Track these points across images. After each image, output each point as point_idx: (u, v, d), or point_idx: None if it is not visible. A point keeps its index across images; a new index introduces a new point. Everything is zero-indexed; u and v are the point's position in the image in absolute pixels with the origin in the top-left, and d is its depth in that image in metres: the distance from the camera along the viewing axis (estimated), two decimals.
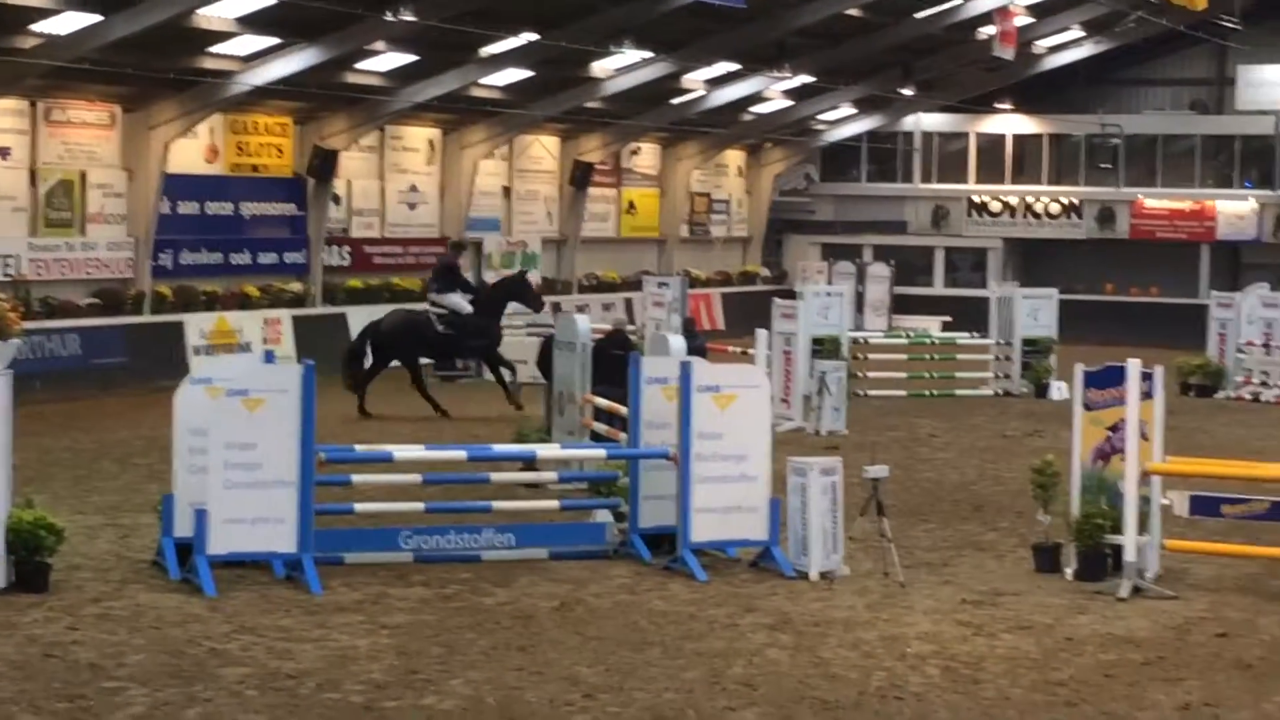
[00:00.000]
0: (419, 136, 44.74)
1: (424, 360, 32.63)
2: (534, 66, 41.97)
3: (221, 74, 36.53)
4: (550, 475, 21.26)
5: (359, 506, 19.40)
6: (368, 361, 32.26)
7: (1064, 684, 14.30)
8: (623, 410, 20.65)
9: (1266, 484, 20.24)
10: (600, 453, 20.51)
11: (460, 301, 32.46)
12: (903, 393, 36.00)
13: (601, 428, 22.70)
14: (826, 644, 15.45)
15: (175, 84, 35.73)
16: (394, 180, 44.18)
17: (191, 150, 38.41)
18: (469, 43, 38.69)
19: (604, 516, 19.66)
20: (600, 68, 43.88)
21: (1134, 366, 17.85)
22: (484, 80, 42.16)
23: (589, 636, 15.63)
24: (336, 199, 42.22)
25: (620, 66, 43.71)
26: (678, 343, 22.03)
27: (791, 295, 38.80)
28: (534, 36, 38.39)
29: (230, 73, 36.63)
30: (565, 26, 38.66)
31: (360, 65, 39.47)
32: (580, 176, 49.30)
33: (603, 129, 48.92)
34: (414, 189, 44.64)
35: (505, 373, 32.17)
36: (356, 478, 19.15)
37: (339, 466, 19.03)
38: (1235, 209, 55.00)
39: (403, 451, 19.97)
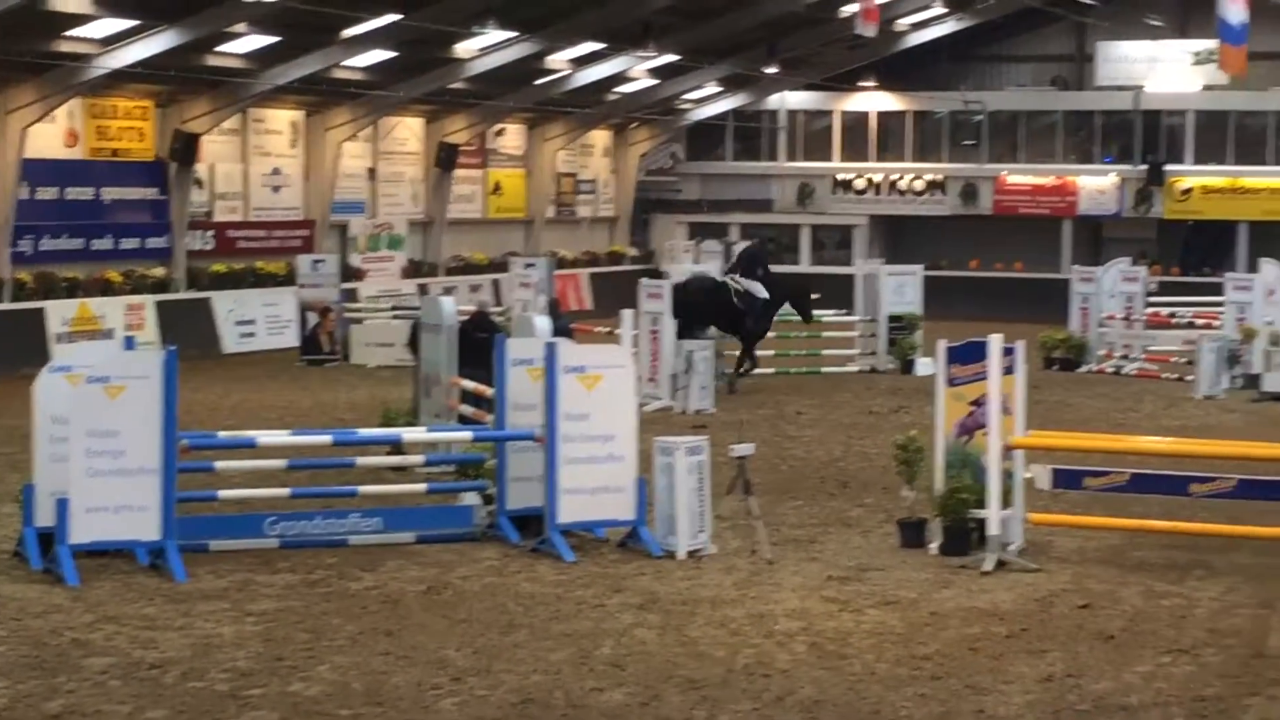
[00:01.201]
0: (282, 119, 44.42)
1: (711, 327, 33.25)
2: (397, 47, 41.75)
3: (79, 57, 36.12)
4: (417, 458, 21.18)
5: (223, 493, 19.27)
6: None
7: (929, 658, 14.40)
8: (489, 392, 20.60)
9: (1128, 456, 20.50)
10: (467, 435, 20.46)
11: (761, 289, 33.48)
12: (770, 370, 36.09)
13: (468, 410, 22.63)
14: (694, 623, 15.48)
15: (32, 68, 35.31)
16: (257, 163, 43.86)
17: (50, 135, 37.93)
18: (331, 24, 38.41)
19: (471, 499, 19.60)
20: (464, 48, 43.71)
21: (995, 342, 17.99)
22: (347, 62, 41.91)
23: (456, 619, 15.59)
24: (199, 183, 41.84)
25: (484, 47, 43.58)
26: (543, 324, 22.00)
27: (659, 275, 38.85)
28: (397, 17, 38.16)
29: (88, 56, 36.22)
30: (428, 7, 38.49)
31: (221, 48, 39.12)
32: (445, 158, 49.13)
33: (467, 110, 48.77)
34: (277, 172, 44.32)
35: (748, 363, 33.54)
36: (220, 464, 19.01)
37: (202, 453, 18.86)
38: (1096, 184, 55.55)
39: (267, 437, 19.83)
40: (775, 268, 36.59)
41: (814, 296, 35.84)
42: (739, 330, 33.70)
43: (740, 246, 37.62)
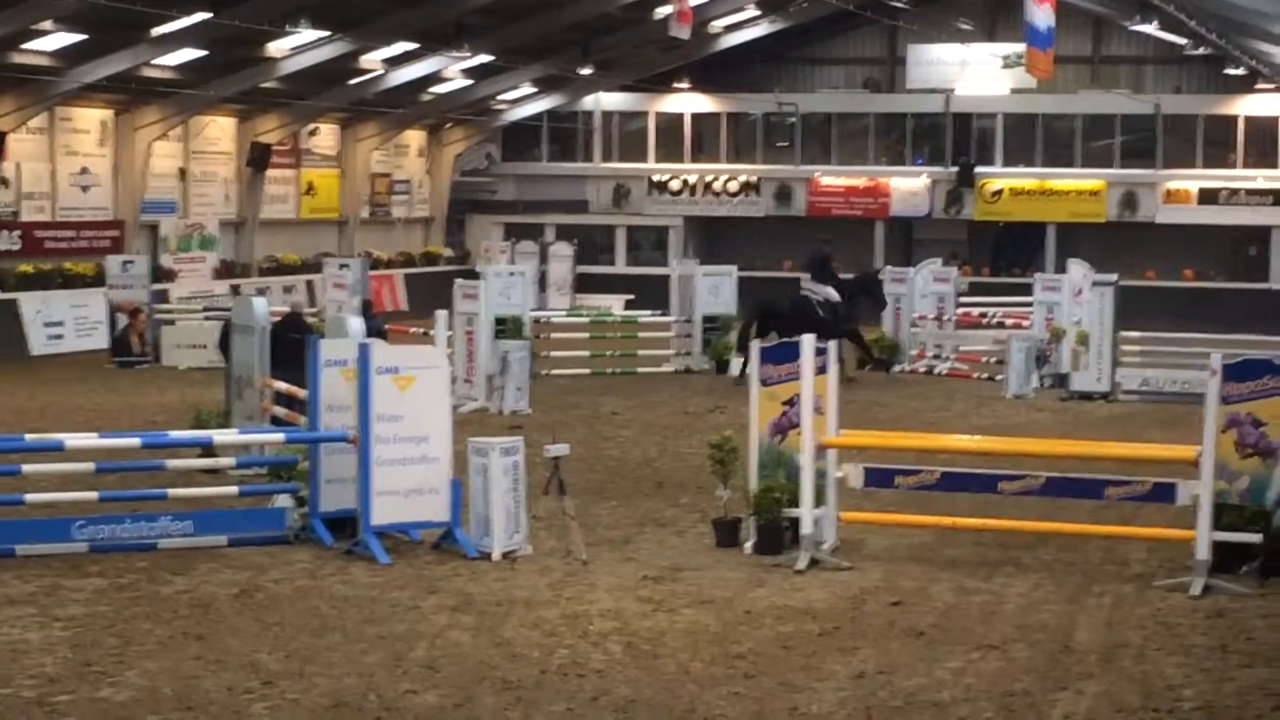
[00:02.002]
0: (90, 118, 43.80)
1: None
2: (208, 46, 41.34)
3: None
4: (228, 460, 20.96)
5: (30, 497, 18.96)
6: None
7: (743, 656, 14.46)
8: (302, 394, 20.43)
9: (939, 455, 20.72)
10: (279, 437, 20.29)
11: (833, 292, 34.75)
12: (586, 371, 36.14)
13: (281, 411, 22.44)
14: (509, 624, 15.44)
15: None
16: (65, 163, 43.22)
17: None
18: (140, 21, 37.93)
19: (284, 501, 19.41)
20: (276, 47, 43.37)
21: (808, 342, 18.11)
22: (156, 60, 41.44)
23: (269, 623, 15.44)
24: (5, 182, 41.15)
25: (296, 46, 43.26)
26: (356, 324, 21.85)
27: (474, 275, 38.77)
28: (207, 15, 37.77)
29: None
30: (239, 5, 38.13)
31: (27, 45, 38.52)
32: (258, 157, 48.71)
33: (280, 109, 48.39)
34: (86, 171, 43.72)
35: (868, 354, 35.69)
36: (27, 467, 18.70)
37: (8, 456, 18.56)
38: (908, 186, 56.17)
39: (75, 440, 19.49)
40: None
41: (880, 277, 37.76)
42: (834, 335, 33.79)
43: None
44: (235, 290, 43.27)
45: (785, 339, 32.33)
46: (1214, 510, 17.08)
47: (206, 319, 38.22)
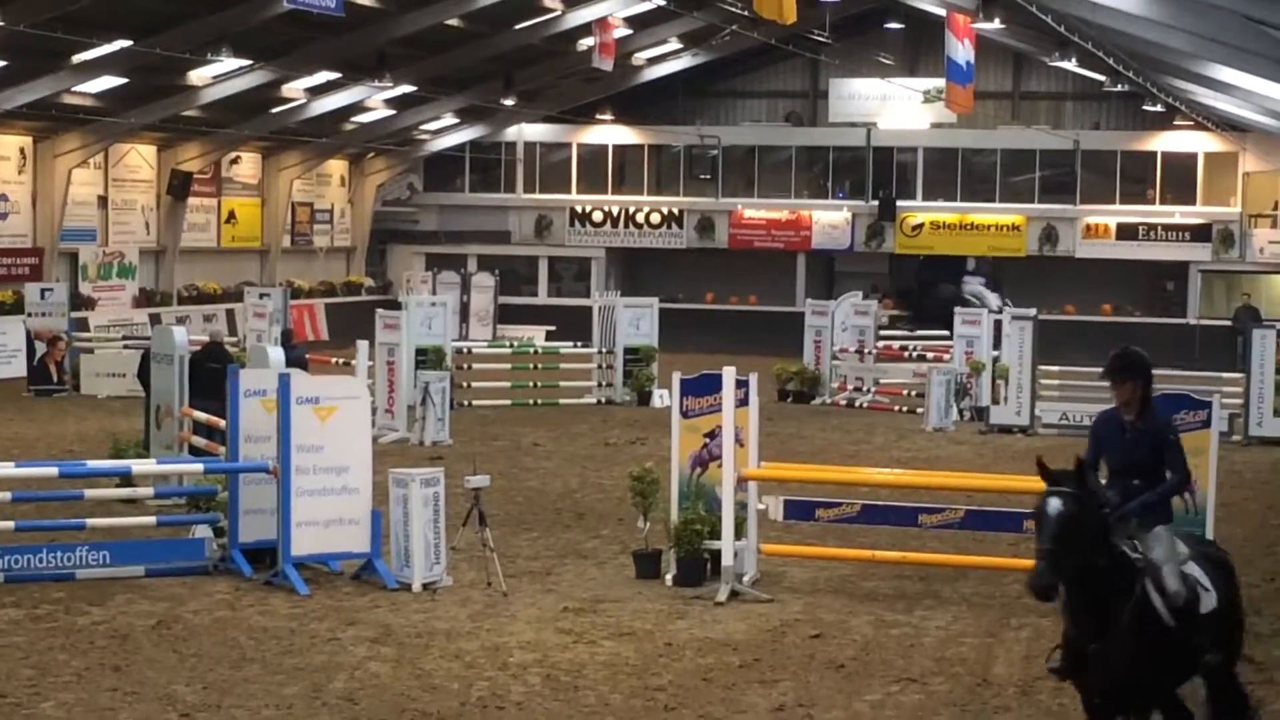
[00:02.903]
0: (9, 145, 43.50)
1: None
2: (128, 74, 41.14)
3: None
4: (147, 491, 20.83)
5: None
6: None
7: (663, 689, 14.46)
8: (221, 423, 20.32)
9: (859, 488, 20.79)
10: (198, 467, 20.16)
11: (995, 300, 37.54)
12: (507, 402, 36.09)
13: (200, 441, 22.33)
14: (429, 655, 15.40)
15: None
16: None
17: None
18: (61, 49, 37.71)
19: (203, 532, 19.31)
20: (198, 75, 43.21)
21: (729, 374, 18.14)
22: (77, 87, 41.22)
23: (187, 654, 15.34)
24: None
25: (218, 74, 43.11)
26: (276, 354, 21.77)
27: (396, 305, 38.68)
28: (128, 43, 37.62)
29: None
30: (161, 33, 37.98)
31: None
32: (179, 186, 48.47)
33: (201, 138, 48.20)
34: (4, 199, 43.40)
35: None
36: None
37: None
38: (830, 219, 56.37)
39: None
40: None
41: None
42: None
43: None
44: (155, 319, 43.02)
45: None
46: None
47: (125, 347, 37.95)
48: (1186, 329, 52.33)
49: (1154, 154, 54.89)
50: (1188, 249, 53.98)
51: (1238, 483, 26.58)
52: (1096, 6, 26.08)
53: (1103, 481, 11.99)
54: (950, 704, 14.17)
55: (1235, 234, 53.61)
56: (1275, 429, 32.09)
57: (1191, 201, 54.19)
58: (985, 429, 33.36)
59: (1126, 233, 54.42)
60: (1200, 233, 53.91)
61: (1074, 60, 43.00)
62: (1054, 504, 11.12)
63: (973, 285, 36.75)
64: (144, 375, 25.55)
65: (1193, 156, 54.44)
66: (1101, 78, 48.98)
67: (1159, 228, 54.23)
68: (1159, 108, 52.66)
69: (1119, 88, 49.97)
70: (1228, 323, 49.23)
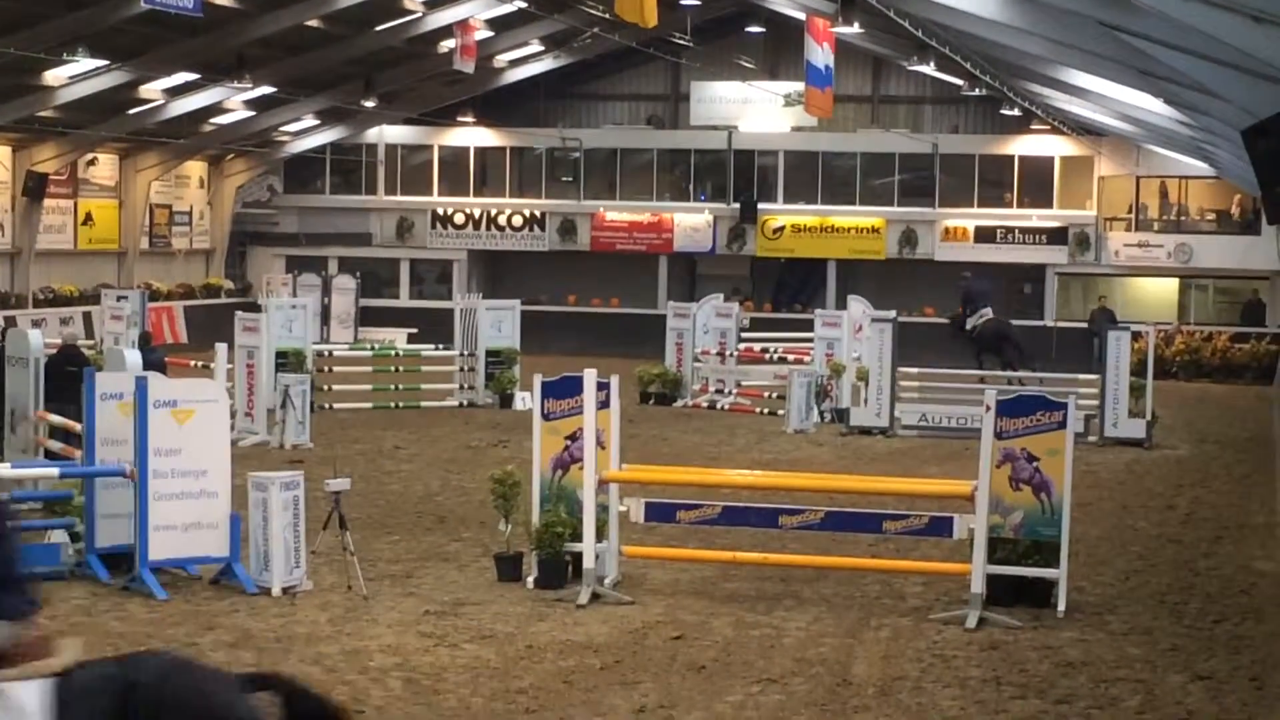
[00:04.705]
0: None
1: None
2: None
3: None
4: (2, 495, 20.54)
5: None
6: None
7: (524, 691, 14.45)
8: (78, 427, 20.12)
9: (720, 489, 20.87)
10: (53, 471, 19.93)
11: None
12: (368, 405, 35.93)
13: (56, 445, 22.09)
14: (288, 660, 15.30)
15: None
16: None
17: None
18: None
19: (59, 536, 19.09)
20: (54, 76, 42.71)
21: (590, 376, 18.15)
22: None
23: None
24: None
25: (74, 75, 42.64)
26: (134, 357, 21.58)
27: (256, 308, 38.44)
28: None
29: None
30: (15, 33, 37.51)
31: None
32: (34, 187, 47.88)
33: (57, 139, 47.65)
34: None
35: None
36: None
37: None
38: (691, 221, 56.52)
39: None
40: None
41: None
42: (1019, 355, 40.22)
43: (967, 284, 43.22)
44: (10, 321, 42.49)
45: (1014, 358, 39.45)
46: (988, 544, 17.38)
47: None
48: (1043, 331, 52.87)
49: (1011, 158, 55.43)
50: (1045, 252, 54.55)
51: (1094, 483, 26.91)
52: (954, 12, 26.26)
53: None
54: (811, 704, 14.25)
55: (1091, 237, 54.25)
56: (1130, 430, 32.49)
57: (1048, 205, 54.77)
58: (845, 431, 33.57)
59: (985, 235, 54.92)
60: (1057, 236, 54.51)
61: (932, 65, 43.35)
62: None
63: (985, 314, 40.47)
64: None
65: (1049, 160, 55.02)
66: (959, 82, 49.39)
67: (1016, 231, 54.78)
68: (1016, 112, 53.16)
69: (977, 92, 50.40)
70: (1084, 325, 49.76)
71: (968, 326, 40.71)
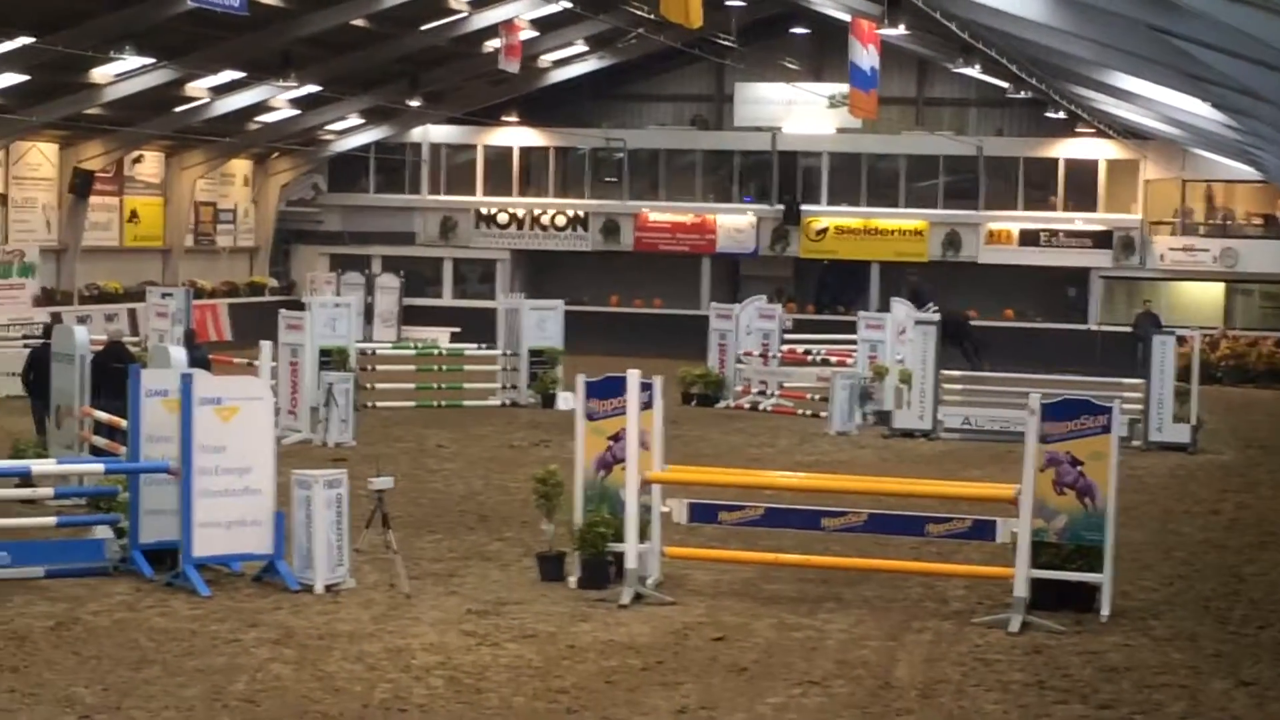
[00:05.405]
0: None
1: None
2: (30, 71, 40.76)
3: None
4: (47, 491, 20.66)
5: None
6: None
7: (566, 691, 14.46)
8: (123, 423, 20.19)
9: (762, 491, 20.85)
10: (99, 467, 20.02)
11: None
12: (411, 404, 35.99)
13: (101, 441, 22.18)
14: (331, 657, 15.34)
15: None
16: None
17: None
18: None
19: (104, 532, 19.17)
20: (100, 73, 42.86)
21: (633, 377, 18.15)
22: None
23: (86, 656, 15.23)
24: None
25: (121, 72, 42.78)
26: (178, 354, 21.65)
27: (299, 306, 38.52)
28: (30, 40, 37.28)
29: None
30: (63, 30, 37.65)
31: None
32: (81, 184, 48.07)
33: (104, 136, 47.82)
34: None
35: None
36: None
37: None
38: (734, 223, 56.49)
39: None
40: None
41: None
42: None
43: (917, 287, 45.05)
44: (55, 318, 42.65)
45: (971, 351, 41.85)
46: (1032, 548, 17.33)
47: (25, 347, 37.56)
48: (1087, 335, 52.73)
49: (1056, 161, 55.28)
50: (1089, 255, 54.39)
51: (1138, 488, 26.80)
52: (999, 14, 26.19)
53: None
54: (852, 706, 14.23)
55: (1136, 241, 54.06)
56: (1175, 434, 32.37)
57: (1093, 208, 54.61)
58: (888, 433, 33.51)
59: (1029, 239, 54.78)
60: (1101, 239, 54.35)
61: (977, 67, 43.25)
62: None
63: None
64: (32, 380, 25.37)
65: (1094, 164, 54.84)
66: (1004, 84, 49.26)
67: (1061, 234, 54.63)
68: (1061, 115, 53.03)
69: (1022, 95, 50.26)
70: (1128, 329, 49.57)
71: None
